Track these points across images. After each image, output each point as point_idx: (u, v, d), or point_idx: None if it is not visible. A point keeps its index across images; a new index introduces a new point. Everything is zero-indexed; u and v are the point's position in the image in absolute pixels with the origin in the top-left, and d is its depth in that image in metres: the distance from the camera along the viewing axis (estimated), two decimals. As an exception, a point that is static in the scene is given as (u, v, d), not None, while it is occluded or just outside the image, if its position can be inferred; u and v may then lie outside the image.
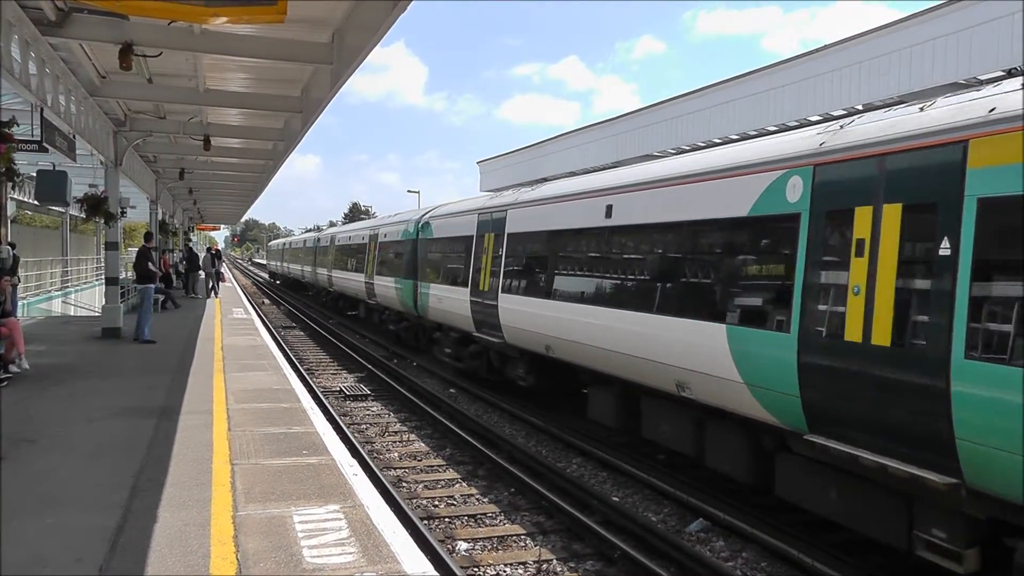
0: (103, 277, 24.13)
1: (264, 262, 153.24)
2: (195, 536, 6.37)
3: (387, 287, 27.43)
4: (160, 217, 33.45)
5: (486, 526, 10.51)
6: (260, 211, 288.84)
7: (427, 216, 24.28)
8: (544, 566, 9.10)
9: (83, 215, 21.81)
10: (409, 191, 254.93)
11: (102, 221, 20.49)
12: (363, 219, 71.23)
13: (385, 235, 29.21)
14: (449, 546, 9.60)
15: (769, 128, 24.89)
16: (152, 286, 19.69)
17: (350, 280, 35.45)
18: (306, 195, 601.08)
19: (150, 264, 19.83)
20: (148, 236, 22.31)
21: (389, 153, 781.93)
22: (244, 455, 8.96)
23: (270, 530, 6.57)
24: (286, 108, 18.41)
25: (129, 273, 28.36)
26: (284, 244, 76.29)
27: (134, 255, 21.94)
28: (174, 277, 36.89)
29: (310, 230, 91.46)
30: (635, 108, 36.80)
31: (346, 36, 13.10)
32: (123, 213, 25.37)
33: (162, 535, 6.39)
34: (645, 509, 11.08)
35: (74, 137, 16.66)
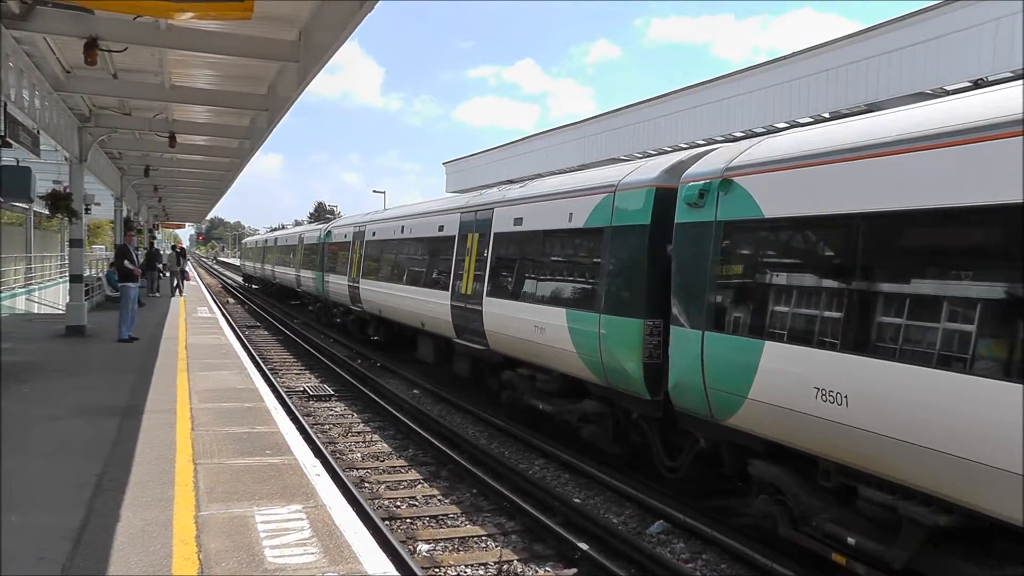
0: (68, 274, 23.87)
1: (230, 261, 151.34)
2: (157, 535, 6.39)
3: (538, 324, 13.70)
4: (125, 214, 33.14)
5: (448, 527, 10.56)
6: (225, 209, 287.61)
7: (735, 165, 9.81)
8: (505, 567, 9.16)
9: (47, 212, 21.60)
10: (375, 191, 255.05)
11: (66, 218, 20.33)
12: (329, 219, 62.38)
13: (520, 219, 15.28)
14: (410, 547, 9.64)
15: (736, 134, 25.14)
16: (132, 285, 19.46)
17: (415, 300, 20.54)
18: (269, 194, 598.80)
19: (126, 262, 19.62)
20: (128, 229, 21.92)
21: (349, 153, 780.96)
22: (207, 454, 8.97)
23: (232, 530, 6.60)
24: (252, 106, 18.37)
25: (94, 271, 28.06)
26: (266, 241, 57.39)
27: (96, 251, 21.62)
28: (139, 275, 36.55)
29: (275, 229, 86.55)
30: (598, 112, 37.04)
31: (313, 34, 13.15)
32: (88, 210, 25.10)
33: (124, 534, 6.40)
34: (606, 511, 11.18)
35: (38, 132, 16.51)
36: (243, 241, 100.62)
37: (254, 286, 64.48)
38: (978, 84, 16.98)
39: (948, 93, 16.01)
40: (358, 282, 26.73)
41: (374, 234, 26.03)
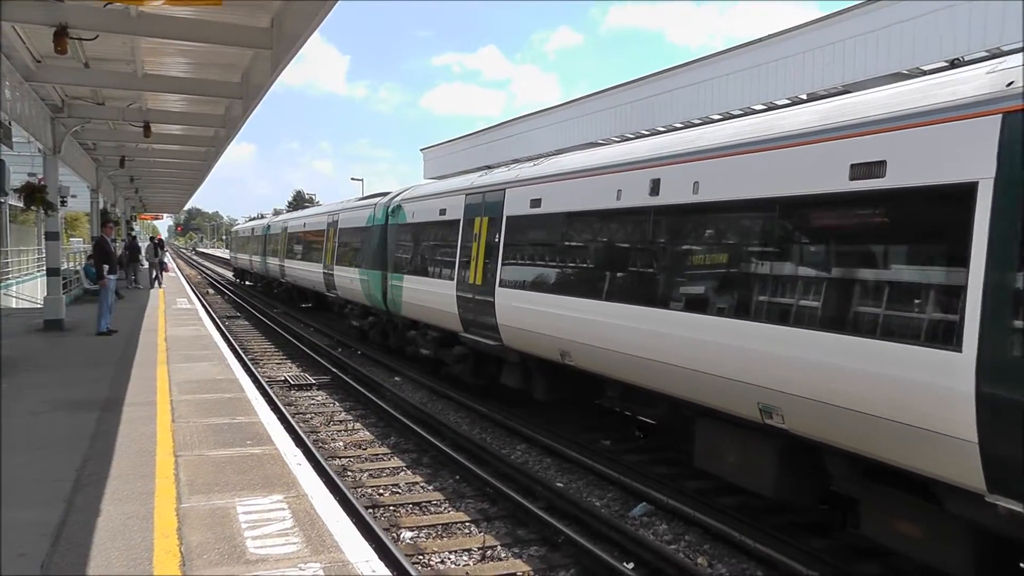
0: (45, 268, 23.67)
1: (210, 251, 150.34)
2: (138, 529, 6.36)
3: None
4: (101, 206, 32.87)
5: (431, 513, 10.56)
6: (203, 200, 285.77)
7: None
8: (488, 552, 9.19)
9: (23, 205, 21.38)
10: (353, 179, 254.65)
11: (42, 211, 20.12)
12: (307, 207, 51.81)
13: None
14: (394, 534, 9.64)
15: (713, 116, 25.16)
16: (111, 277, 19.34)
17: (713, 347, 9.04)
18: (244, 183, 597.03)
19: (105, 267, 19.41)
20: (105, 221, 21.64)
21: (320, 141, 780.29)
22: (188, 446, 8.93)
23: (214, 522, 6.58)
24: (227, 94, 18.22)
25: (71, 264, 27.83)
26: (268, 227, 44.66)
27: (74, 243, 21.43)
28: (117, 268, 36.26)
29: (254, 218, 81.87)
30: (564, 100, 37.24)
31: (284, 21, 13.06)
32: (63, 202, 24.86)
33: (105, 529, 6.37)
34: (589, 494, 11.21)
35: (10, 124, 16.32)
36: (234, 229, 79.95)
37: (247, 282, 55.10)
38: (954, 64, 17.04)
39: (924, 73, 16.07)
40: (491, 294, 15.07)
41: (538, 203, 13.94)
